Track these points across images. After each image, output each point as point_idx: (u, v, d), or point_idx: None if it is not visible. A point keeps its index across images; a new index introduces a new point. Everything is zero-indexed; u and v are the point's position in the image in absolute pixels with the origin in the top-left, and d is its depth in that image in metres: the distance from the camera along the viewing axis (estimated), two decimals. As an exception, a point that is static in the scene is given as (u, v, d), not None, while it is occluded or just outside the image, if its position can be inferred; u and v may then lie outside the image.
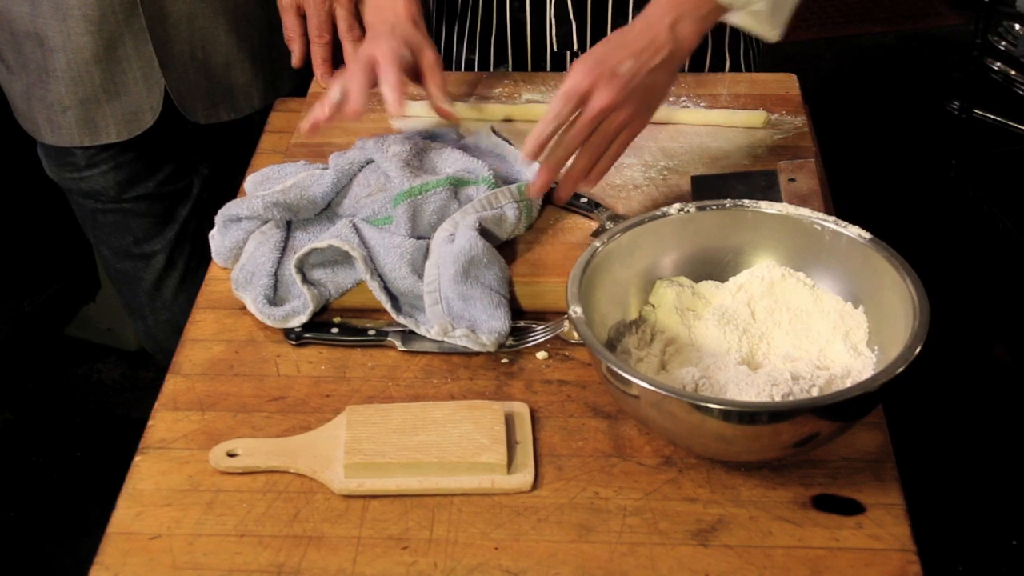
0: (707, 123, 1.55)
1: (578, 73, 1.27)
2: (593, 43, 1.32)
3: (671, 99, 1.60)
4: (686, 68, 1.71)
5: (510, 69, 1.74)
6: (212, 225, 1.36)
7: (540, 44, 1.70)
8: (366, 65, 1.37)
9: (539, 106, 1.56)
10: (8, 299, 2.74)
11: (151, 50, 1.67)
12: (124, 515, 1.06)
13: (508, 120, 1.56)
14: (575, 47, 1.68)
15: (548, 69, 1.72)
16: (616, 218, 1.35)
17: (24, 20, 1.64)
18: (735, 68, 1.73)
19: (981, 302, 2.80)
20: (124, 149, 1.76)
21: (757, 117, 1.54)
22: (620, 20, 1.63)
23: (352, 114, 1.34)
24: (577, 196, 1.39)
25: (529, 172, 1.39)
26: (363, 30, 1.65)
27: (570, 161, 1.30)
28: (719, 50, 1.71)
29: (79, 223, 1.91)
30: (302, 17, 1.65)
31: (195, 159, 1.88)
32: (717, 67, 1.72)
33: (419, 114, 1.56)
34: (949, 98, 3.39)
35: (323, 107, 1.35)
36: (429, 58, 1.45)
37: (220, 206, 1.36)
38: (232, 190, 1.45)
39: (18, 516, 2.37)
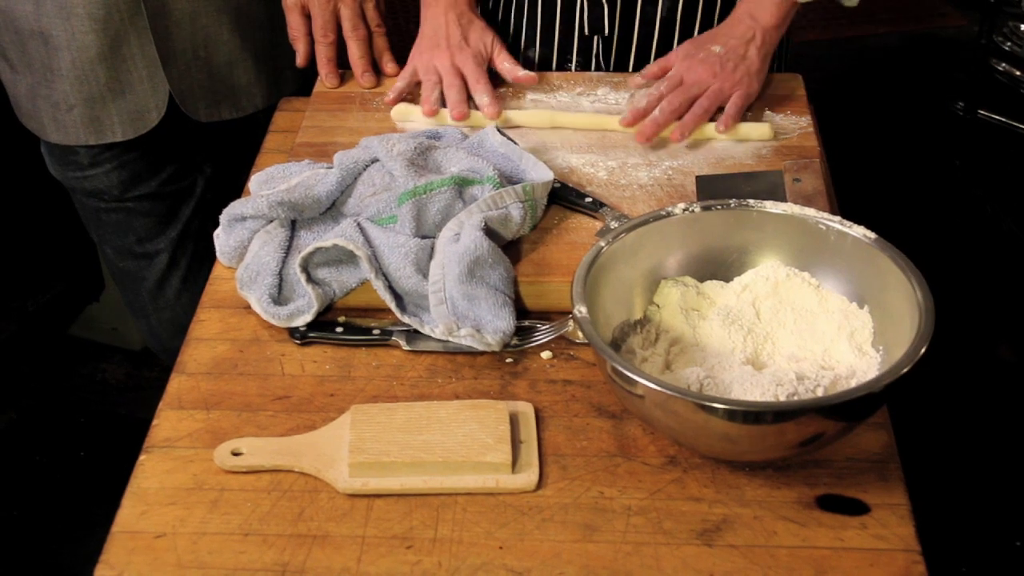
0: (710, 138, 1.53)
1: (676, 57, 1.56)
2: (622, 27, 1.67)
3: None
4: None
5: (536, 53, 1.74)
6: (215, 225, 1.36)
7: (569, 28, 1.70)
8: (457, 74, 1.59)
9: (605, 116, 1.57)
10: (12, 299, 2.74)
11: (155, 49, 1.67)
12: (129, 514, 1.06)
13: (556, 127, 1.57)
14: (605, 31, 1.69)
15: (575, 54, 1.72)
16: (621, 218, 1.35)
17: (28, 19, 1.64)
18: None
19: (986, 302, 2.80)
20: (128, 148, 1.76)
21: (762, 129, 1.52)
22: (649, 5, 1.66)
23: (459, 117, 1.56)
24: (581, 196, 1.39)
25: (536, 172, 1.39)
26: (367, 29, 1.65)
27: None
28: None
29: (82, 222, 1.92)
30: (307, 17, 1.66)
31: (198, 158, 1.88)
32: None
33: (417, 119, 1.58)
34: (954, 99, 3.39)
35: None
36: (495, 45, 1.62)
37: (223, 206, 1.36)
38: (235, 189, 1.46)
39: (22, 515, 2.37)
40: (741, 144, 1.51)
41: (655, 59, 1.64)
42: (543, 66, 1.75)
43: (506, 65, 1.62)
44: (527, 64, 1.70)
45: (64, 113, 1.70)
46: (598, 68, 1.73)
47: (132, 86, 1.69)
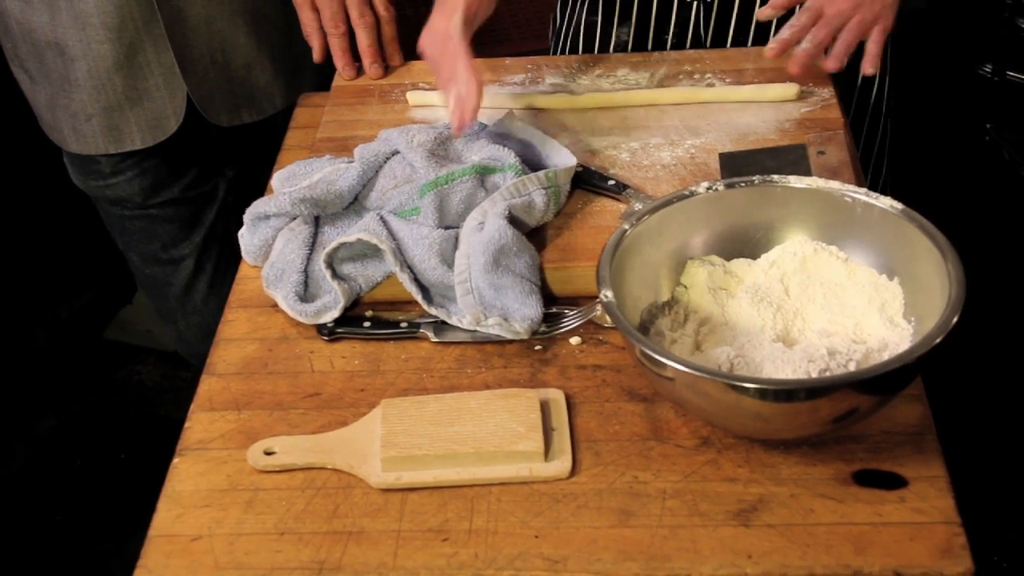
0: (738, 100, 1.53)
1: None
2: None
3: (696, 76, 1.59)
4: (708, 43, 1.70)
5: (632, 31, 1.72)
6: (239, 227, 1.36)
7: None
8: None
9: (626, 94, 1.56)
10: (45, 307, 2.76)
11: (172, 56, 1.67)
12: (165, 517, 1.07)
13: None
14: None
15: (673, 24, 1.71)
16: (645, 199, 1.34)
17: (44, 30, 1.64)
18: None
19: (1018, 269, 2.77)
20: (148, 155, 1.76)
21: (789, 90, 1.52)
22: None
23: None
24: (604, 179, 1.38)
25: (558, 158, 1.38)
26: (375, 16, 1.64)
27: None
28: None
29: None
30: (317, 11, 1.65)
31: (219, 162, 1.88)
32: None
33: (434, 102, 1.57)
34: (981, 61, 3.34)
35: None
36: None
37: (246, 208, 1.36)
38: (257, 192, 1.45)
39: (65, 520, 2.39)
40: (764, 119, 1.49)
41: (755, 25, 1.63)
42: (638, 46, 1.73)
43: None
44: (620, 47, 1.68)
45: (83, 123, 1.71)
46: (696, 40, 1.71)
47: (149, 94, 1.69)
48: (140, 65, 1.67)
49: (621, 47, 1.71)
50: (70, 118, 1.72)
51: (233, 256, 1.38)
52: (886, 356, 1.08)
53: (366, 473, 1.08)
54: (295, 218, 1.33)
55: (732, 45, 1.69)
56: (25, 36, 1.67)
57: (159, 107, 1.71)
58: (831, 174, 1.30)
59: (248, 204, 1.36)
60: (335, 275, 1.27)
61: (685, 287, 1.20)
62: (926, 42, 3.74)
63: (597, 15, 1.74)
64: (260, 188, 1.48)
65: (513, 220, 1.28)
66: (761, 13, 1.57)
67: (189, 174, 1.83)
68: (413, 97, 1.59)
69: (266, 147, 1.63)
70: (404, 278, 1.25)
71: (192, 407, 1.18)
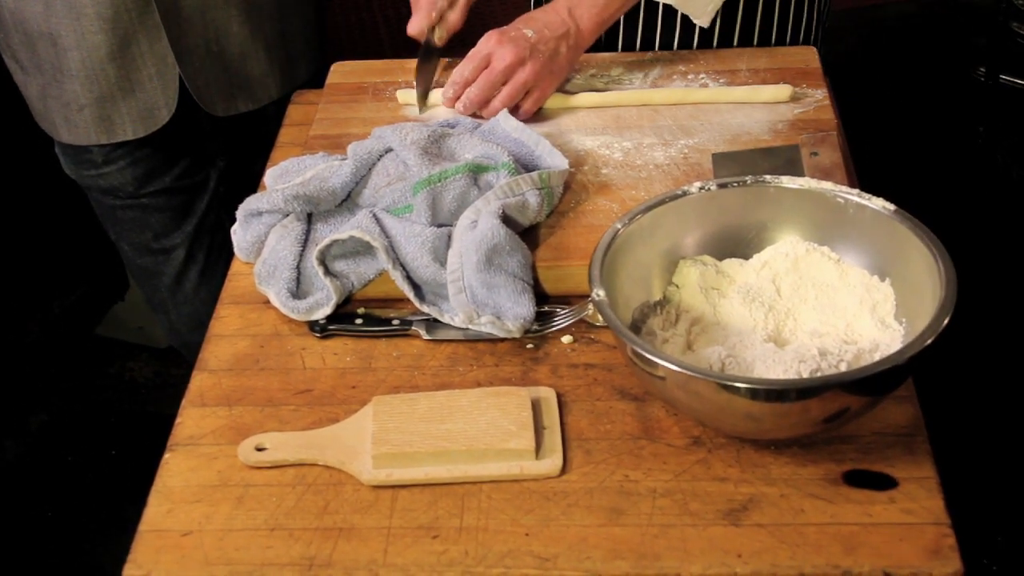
0: (732, 100, 1.53)
1: (485, 39, 1.50)
2: None
3: (690, 76, 1.59)
4: (715, 43, 1.70)
5: (620, 28, 1.72)
6: (230, 218, 1.36)
7: None
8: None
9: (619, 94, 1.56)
10: (37, 301, 2.76)
11: (165, 46, 1.67)
12: (155, 513, 1.07)
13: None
14: None
15: (659, 25, 1.70)
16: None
17: (37, 20, 1.64)
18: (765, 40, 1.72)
19: (1010, 271, 2.77)
20: (141, 145, 1.76)
21: (782, 91, 1.52)
22: None
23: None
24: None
25: (551, 159, 1.38)
26: None
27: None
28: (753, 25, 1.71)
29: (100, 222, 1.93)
30: None
31: (211, 152, 1.88)
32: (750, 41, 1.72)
33: (435, 103, 1.57)
34: (975, 64, 3.35)
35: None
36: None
37: (237, 198, 1.36)
38: (248, 182, 1.46)
39: (56, 515, 2.39)
40: (757, 120, 1.50)
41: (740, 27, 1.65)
42: (627, 46, 1.73)
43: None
44: (610, 47, 1.71)
45: (75, 113, 1.71)
46: (685, 40, 1.70)
47: (142, 84, 1.70)
48: (133, 56, 1.67)
49: (611, 47, 1.70)
50: (62, 108, 1.72)
51: (224, 246, 1.39)
52: (877, 357, 1.08)
53: (357, 470, 1.08)
54: (288, 215, 1.33)
55: (719, 46, 1.69)
56: (17, 26, 1.67)
57: (151, 98, 1.71)
58: (824, 175, 1.30)
59: (240, 194, 1.36)
60: (327, 272, 1.27)
61: (677, 287, 1.20)
62: (920, 45, 3.75)
63: None
64: (252, 178, 1.48)
65: (506, 219, 1.28)
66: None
67: (181, 164, 1.83)
68: (403, 95, 1.59)
69: (258, 137, 1.63)
70: (396, 276, 1.25)
71: (183, 403, 1.18)
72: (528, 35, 1.49)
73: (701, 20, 1.61)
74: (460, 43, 1.62)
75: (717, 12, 1.61)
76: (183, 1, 1.66)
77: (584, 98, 1.55)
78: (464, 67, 1.51)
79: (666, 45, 1.70)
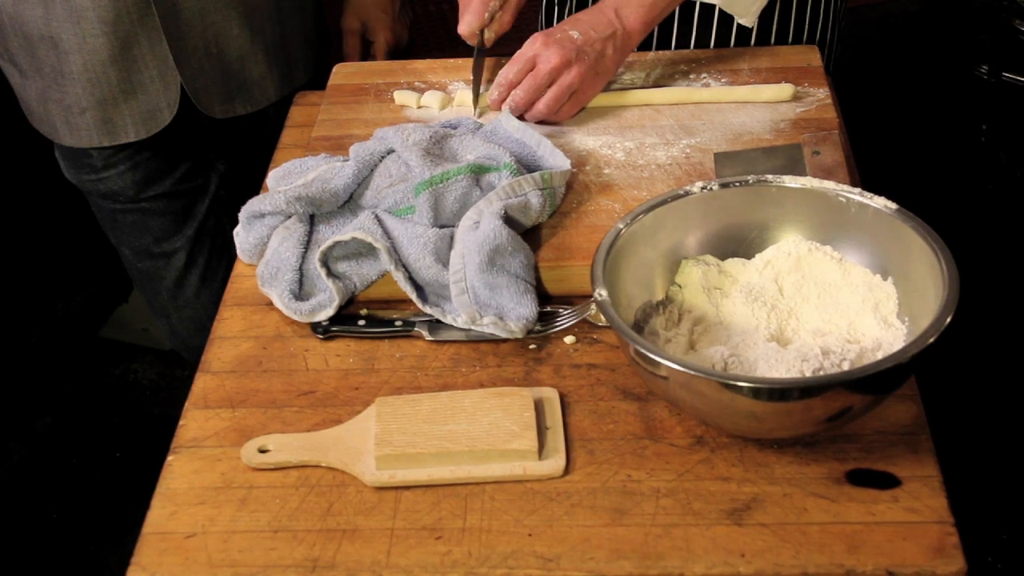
0: (733, 100, 1.53)
1: (530, 41, 1.48)
2: None
3: (691, 76, 1.59)
4: (712, 44, 1.70)
5: None
6: (231, 221, 1.36)
7: None
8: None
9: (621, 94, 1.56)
10: (41, 303, 2.76)
11: (166, 48, 1.67)
12: (159, 515, 1.07)
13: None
14: None
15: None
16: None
17: (38, 23, 1.64)
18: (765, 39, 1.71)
19: (1013, 269, 2.77)
20: (141, 148, 1.76)
21: (784, 90, 1.52)
22: None
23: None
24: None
25: (553, 160, 1.38)
26: None
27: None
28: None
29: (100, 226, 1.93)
30: None
31: (211, 156, 1.88)
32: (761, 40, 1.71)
33: (429, 104, 1.57)
34: (977, 62, 3.34)
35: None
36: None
37: (238, 202, 1.36)
38: (249, 185, 1.46)
39: (61, 517, 2.39)
40: (759, 119, 1.50)
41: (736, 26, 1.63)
42: None
43: None
44: None
45: (77, 116, 1.71)
46: (682, 40, 1.71)
47: (144, 86, 1.70)
48: (135, 58, 1.67)
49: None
50: (63, 111, 1.72)
51: (224, 250, 1.39)
52: (880, 356, 1.08)
53: (360, 471, 1.08)
54: (290, 216, 1.33)
55: (716, 46, 1.69)
56: (17, 30, 1.67)
57: (153, 99, 1.71)
58: (826, 174, 1.30)
59: (240, 198, 1.36)
60: (330, 273, 1.27)
61: (679, 286, 1.20)
62: (923, 43, 3.74)
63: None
64: (252, 182, 1.48)
65: (508, 220, 1.28)
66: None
67: (181, 167, 1.83)
68: (400, 97, 1.59)
69: (258, 140, 1.63)
70: (399, 277, 1.25)
71: (186, 405, 1.18)
72: (574, 37, 1.47)
73: (745, 19, 1.61)
74: (459, 42, 1.62)
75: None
76: (183, 4, 1.66)
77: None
78: (509, 69, 1.50)
79: (702, 44, 1.70)
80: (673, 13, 1.66)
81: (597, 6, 1.51)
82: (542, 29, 1.84)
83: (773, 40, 1.69)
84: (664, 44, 1.71)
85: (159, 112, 1.72)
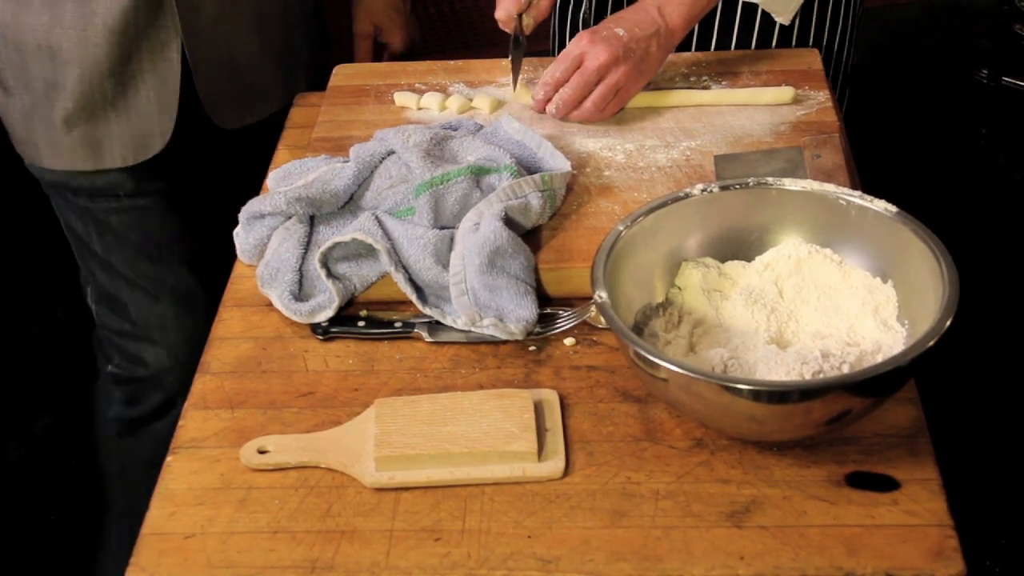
0: (734, 102, 1.53)
1: (576, 39, 1.48)
2: None
3: (691, 79, 1.59)
4: (754, 45, 1.70)
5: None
6: (230, 233, 1.35)
7: None
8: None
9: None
10: (41, 305, 2.76)
11: (167, 67, 1.62)
12: (157, 516, 1.07)
13: None
14: None
15: None
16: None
17: (37, 32, 1.58)
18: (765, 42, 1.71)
19: (1013, 272, 2.77)
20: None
21: (785, 93, 1.52)
22: None
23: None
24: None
25: (553, 161, 1.38)
26: None
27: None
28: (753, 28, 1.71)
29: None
30: None
31: (210, 168, 1.84)
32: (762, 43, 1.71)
33: (429, 106, 1.57)
34: (977, 66, 3.35)
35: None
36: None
37: (237, 212, 1.35)
38: (250, 193, 1.44)
39: (60, 518, 2.39)
40: (759, 122, 1.50)
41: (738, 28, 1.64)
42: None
43: None
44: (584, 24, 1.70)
45: (62, 135, 1.65)
46: (685, 41, 1.68)
47: (138, 107, 1.63)
48: (133, 73, 1.61)
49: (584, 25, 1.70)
50: (47, 130, 1.65)
51: (225, 259, 1.38)
52: (879, 359, 1.08)
53: (359, 472, 1.08)
54: (290, 217, 1.33)
55: (716, 48, 1.69)
56: (8, 43, 1.61)
57: (146, 124, 1.65)
58: (826, 177, 1.30)
59: (241, 205, 1.35)
60: (330, 274, 1.27)
61: (679, 289, 1.20)
62: (922, 48, 3.75)
63: (591, 15, 1.74)
64: (251, 193, 1.47)
65: (509, 221, 1.28)
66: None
67: (177, 178, 1.78)
68: (400, 98, 1.59)
69: (257, 148, 1.61)
70: (399, 278, 1.25)
71: (186, 405, 1.18)
72: (620, 34, 1.47)
73: (783, 18, 1.61)
74: (460, 44, 1.61)
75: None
76: (202, 8, 1.62)
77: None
78: (555, 68, 1.49)
79: (743, 44, 1.70)
80: (713, 13, 1.67)
81: (638, 4, 1.51)
82: (555, 28, 1.85)
83: (794, 42, 1.70)
84: (704, 45, 1.71)
85: (151, 139, 1.66)
